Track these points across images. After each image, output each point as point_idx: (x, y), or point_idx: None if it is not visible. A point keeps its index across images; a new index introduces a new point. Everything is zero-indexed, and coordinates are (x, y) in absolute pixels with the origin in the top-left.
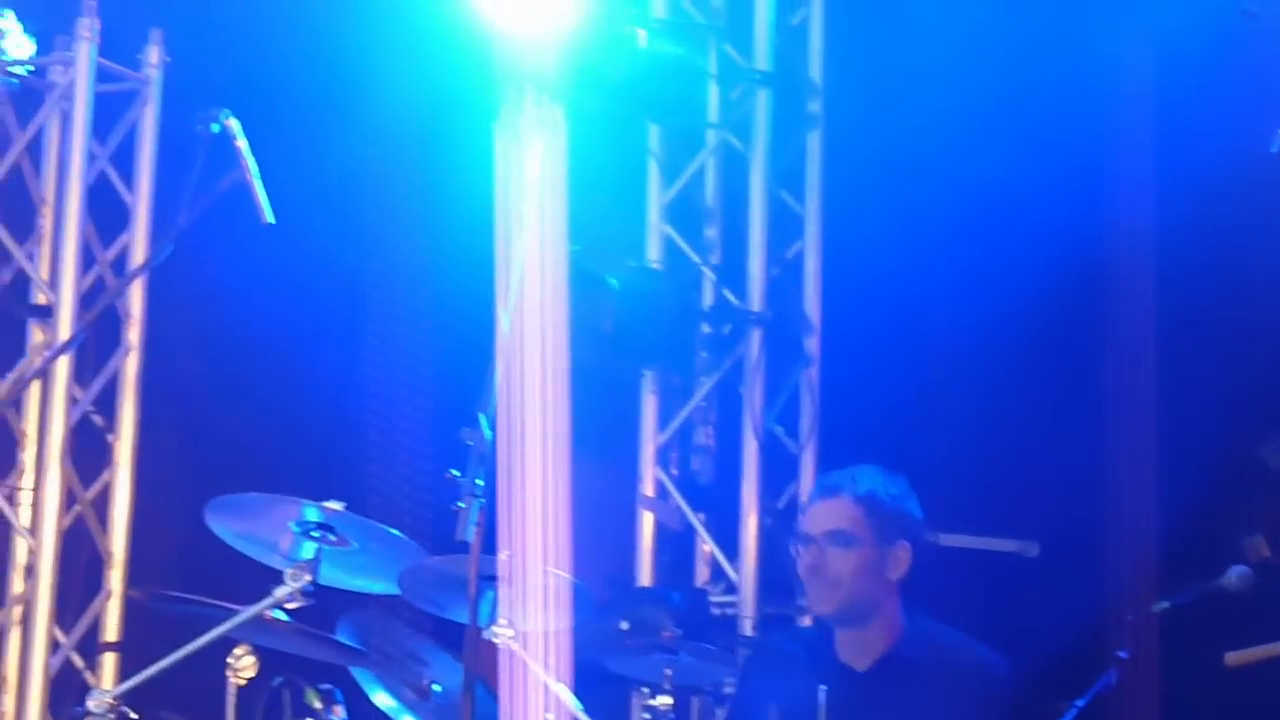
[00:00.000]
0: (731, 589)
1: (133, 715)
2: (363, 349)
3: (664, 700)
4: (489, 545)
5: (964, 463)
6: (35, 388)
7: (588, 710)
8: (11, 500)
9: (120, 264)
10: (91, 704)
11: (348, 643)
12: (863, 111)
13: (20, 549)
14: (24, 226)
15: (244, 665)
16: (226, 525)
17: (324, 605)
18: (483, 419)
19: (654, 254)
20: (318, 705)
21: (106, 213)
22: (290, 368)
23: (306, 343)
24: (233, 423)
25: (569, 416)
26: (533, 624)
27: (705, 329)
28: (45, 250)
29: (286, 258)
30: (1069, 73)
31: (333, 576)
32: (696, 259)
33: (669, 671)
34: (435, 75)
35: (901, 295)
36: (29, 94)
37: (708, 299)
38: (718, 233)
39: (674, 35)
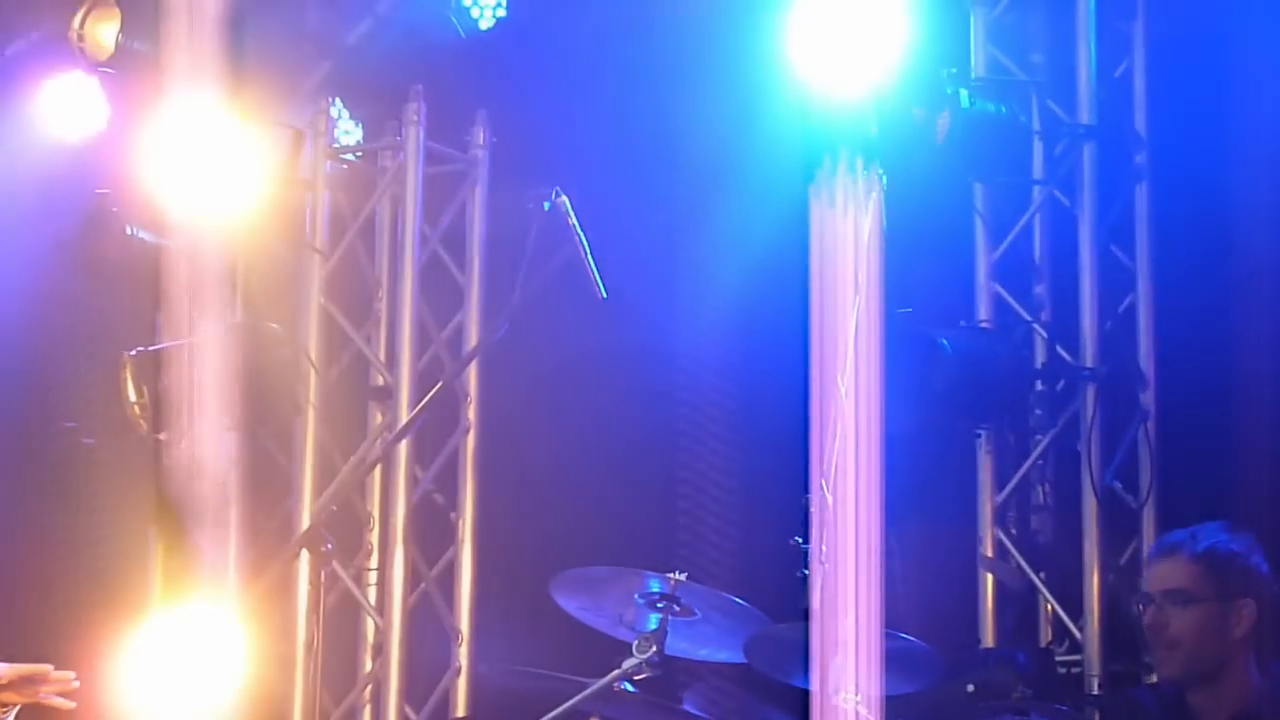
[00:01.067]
0: (1076, 647)
1: None
2: (697, 418)
3: None
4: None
5: None
6: (378, 468)
7: None
8: (359, 580)
9: (456, 343)
10: None
11: (696, 713)
12: (1190, 160)
13: (369, 628)
14: (360, 310)
15: None
16: (572, 599)
17: (671, 676)
18: (824, 485)
19: (984, 313)
20: None
21: (440, 292)
22: (626, 439)
23: (639, 414)
24: (571, 496)
25: (900, 479)
26: (879, 689)
27: (1039, 386)
28: (382, 332)
29: (617, 331)
30: None
31: (679, 646)
32: (1027, 316)
33: None
34: (754, 141)
35: (1236, 345)
36: (360, 179)
37: (1040, 356)
38: (1047, 289)
39: (995, 93)
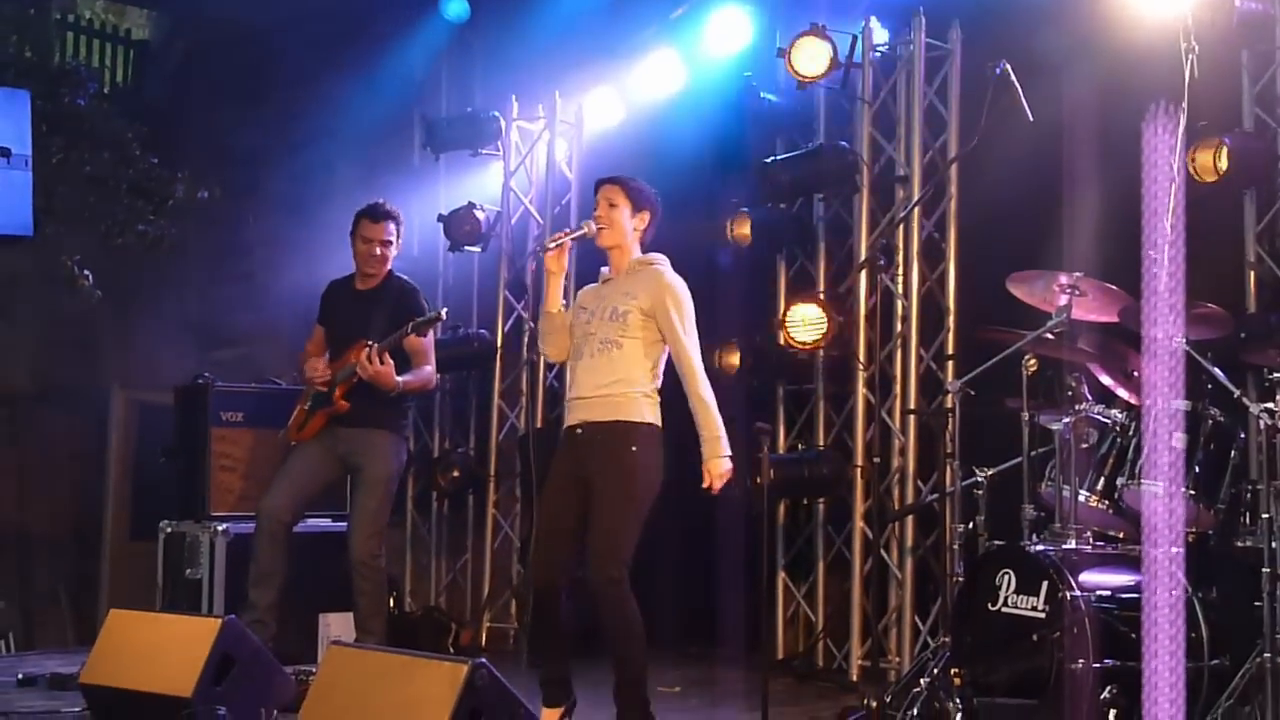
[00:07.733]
0: None
1: (971, 393)
2: None
3: None
4: None
5: None
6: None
7: None
8: (895, 281)
9: (944, 149)
10: (950, 385)
11: (1088, 350)
12: None
13: (897, 308)
14: (889, 132)
15: (1030, 364)
16: (1018, 289)
17: (1074, 332)
18: None
19: None
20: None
21: (934, 122)
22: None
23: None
24: (1019, 223)
25: None
26: None
27: None
28: (901, 146)
29: (1035, 138)
30: None
31: (1079, 314)
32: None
33: None
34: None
35: None
36: (886, 62)
37: None
38: None
39: None
